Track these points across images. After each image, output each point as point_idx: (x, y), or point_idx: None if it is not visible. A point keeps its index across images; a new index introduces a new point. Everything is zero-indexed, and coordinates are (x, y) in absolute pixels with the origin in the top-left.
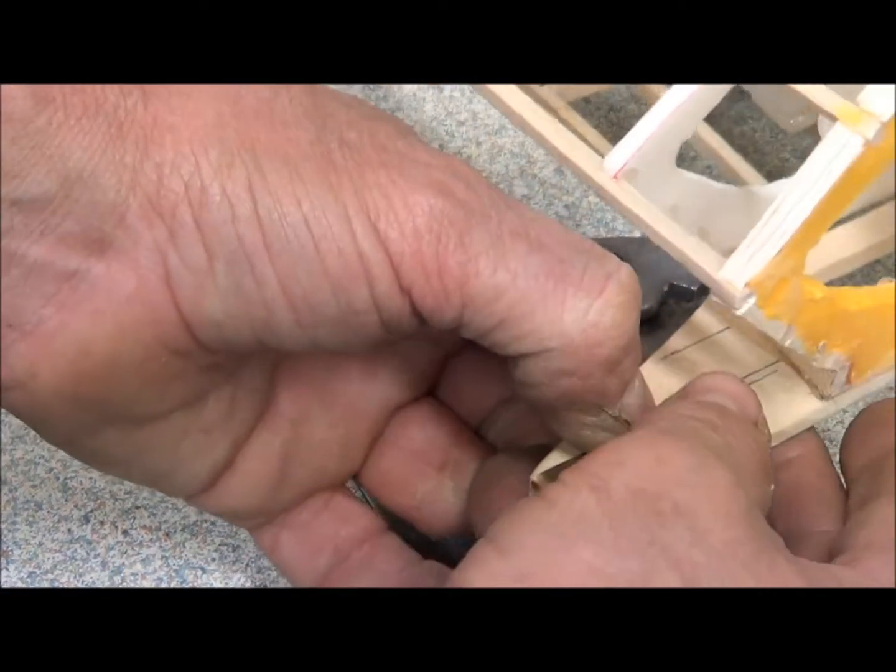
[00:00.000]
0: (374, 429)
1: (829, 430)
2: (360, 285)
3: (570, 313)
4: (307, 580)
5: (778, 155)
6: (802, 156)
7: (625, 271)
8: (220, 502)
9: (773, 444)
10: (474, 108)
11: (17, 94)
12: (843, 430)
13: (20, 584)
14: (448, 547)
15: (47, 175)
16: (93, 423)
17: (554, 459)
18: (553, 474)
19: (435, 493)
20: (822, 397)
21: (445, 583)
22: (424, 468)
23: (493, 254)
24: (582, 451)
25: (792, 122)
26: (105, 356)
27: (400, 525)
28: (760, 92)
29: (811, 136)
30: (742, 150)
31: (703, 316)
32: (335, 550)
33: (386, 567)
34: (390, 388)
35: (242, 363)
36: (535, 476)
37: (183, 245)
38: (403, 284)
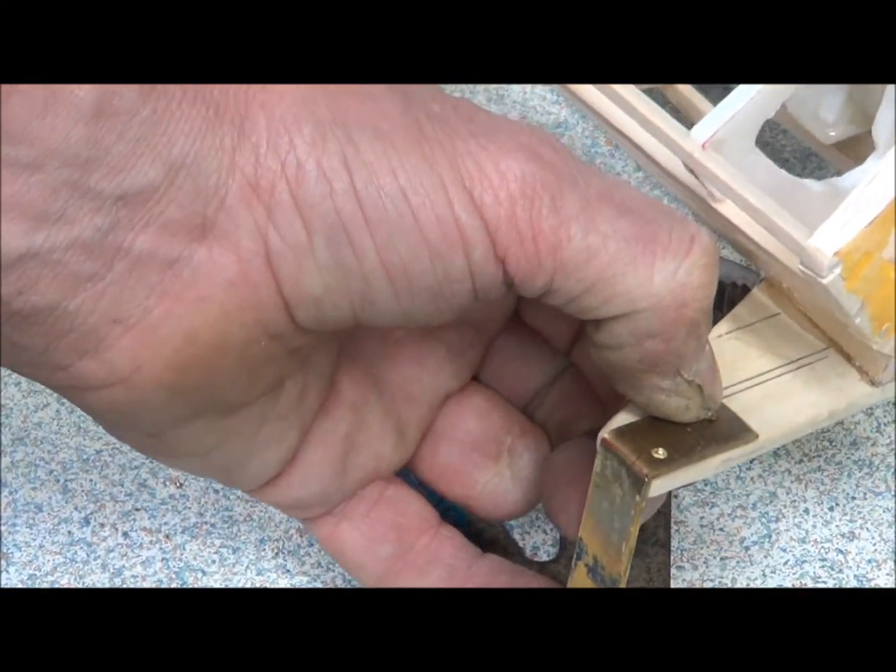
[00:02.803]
0: (426, 415)
1: (828, 430)
2: (457, 253)
3: (660, 274)
4: (370, 568)
5: (779, 156)
6: (802, 157)
7: (705, 234)
8: (286, 492)
9: (826, 423)
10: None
11: (122, 87)
12: (844, 431)
13: (20, 587)
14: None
15: (153, 164)
16: (186, 414)
17: (622, 419)
18: (622, 432)
19: (494, 484)
20: (872, 383)
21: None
22: (481, 459)
23: (584, 218)
24: (649, 414)
25: (832, 133)
26: (210, 342)
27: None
28: (797, 100)
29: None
30: None
31: (752, 302)
32: (398, 539)
33: (453, 561)
34: (439, 375)
35: (315, 348)
36: (606, 433)
37: (282, 223)
38: (499, 251)
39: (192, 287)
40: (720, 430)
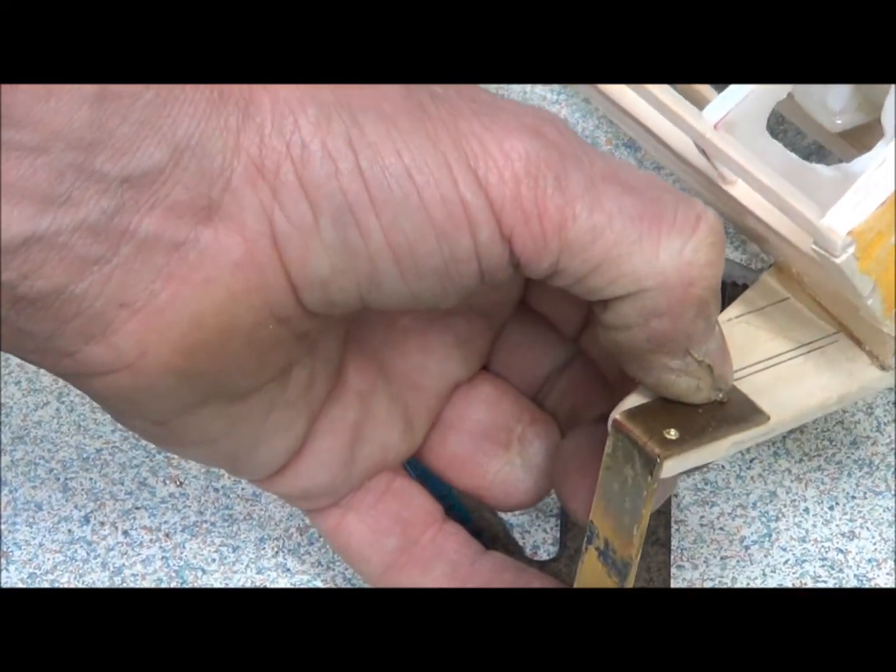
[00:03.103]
0: (434, 404)
1: (828, 430)
2: (463, 233)
3: (666, 252)
4: (375, 561)
5: None
6: (803, 156)
7: (712, 213)
8: (293, 482)
9: (837, 407)
10: None
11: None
12: (844, 431)
13: (20, 585)
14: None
15: (157, 146)
16: (194, 400)
17: (634, 400)
18: (633, 413)
19: (506, 472)
20: (882, 368)
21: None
22: (492, 448)
23: (589, 197)
24: (660, 396)
25: (839, 121)
26: (217, 326)
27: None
28: (804, 89)
29: (812, 138)
30: None
31: (762, 287)
32: (403, 532)
33: (457, 556)
34: (446, 363)
35: (322, 334)
36: (617, 414)
37: (288, 203)
38: (504, 230)
39: (199, 269)
40: (731, 411)
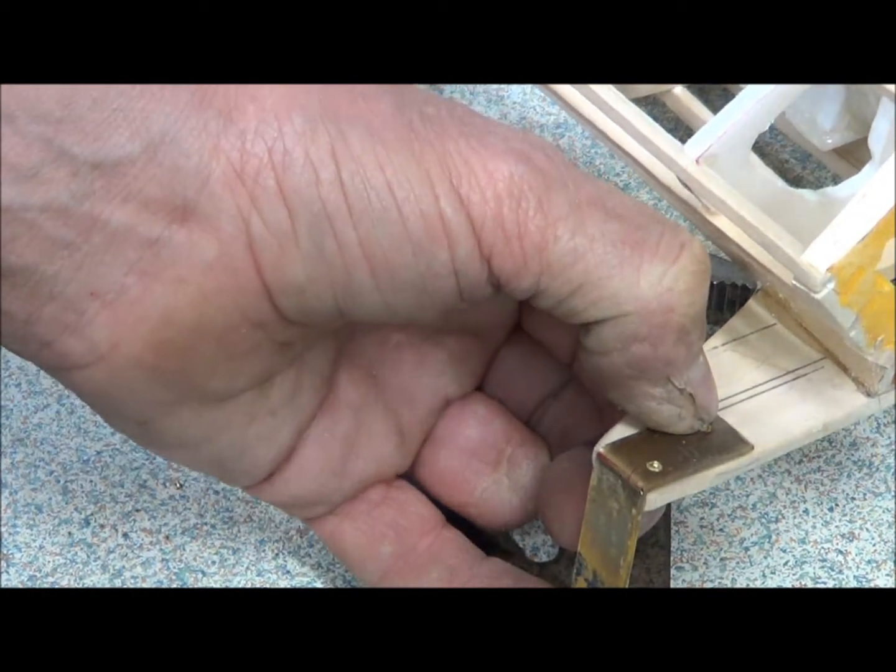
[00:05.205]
0: (427, 419)
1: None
2: (441, 248)
3: (647, 278)
4: (371, 567)
5: (778, 156)
6: (802, 158)
7: (697, 243)
8: (283, 490)
9: (822, 435)
10: (474, 109)
11: None
12: (844, 432)
13: (20, 588)
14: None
15: (130, 139)
16: (169, 400)
17: (619, 432)
18: (617, 446)
19: (492, 491)
20: (868, 394)
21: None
22: (481, 466)
23: (572, 219)
24: (645, 426)
25: (829, 140)
26: (187, 325)
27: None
28: (794, 108)
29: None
30: None
31: (748, 313)
32: (399, 538)
33: (455, 562)
34: (440, 379)
35: (309, 347)
36: (601, 447)
37: (266, 209)
38: (483, 249)
39: (171, 267)
40: (715, 442)
